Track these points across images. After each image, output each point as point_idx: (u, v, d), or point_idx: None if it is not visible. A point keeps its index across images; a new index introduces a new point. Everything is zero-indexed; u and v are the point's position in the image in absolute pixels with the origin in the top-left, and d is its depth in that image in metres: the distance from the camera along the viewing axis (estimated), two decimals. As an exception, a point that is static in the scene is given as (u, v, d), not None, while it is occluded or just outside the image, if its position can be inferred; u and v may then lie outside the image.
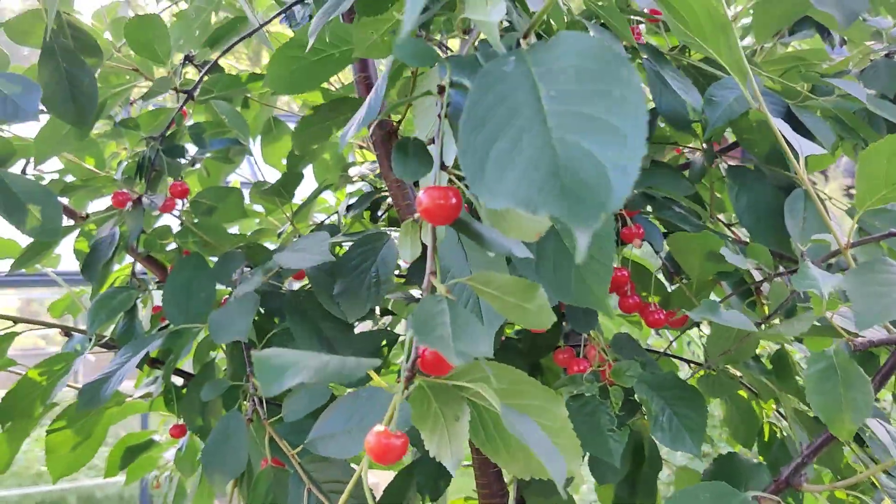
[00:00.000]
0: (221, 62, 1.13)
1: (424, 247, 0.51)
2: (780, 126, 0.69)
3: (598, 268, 0.55)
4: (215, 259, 0.98)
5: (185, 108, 1.12)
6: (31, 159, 0.98)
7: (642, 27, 1.14)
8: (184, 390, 1.03)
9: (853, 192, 0.69)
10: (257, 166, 1.31)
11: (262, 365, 0.43)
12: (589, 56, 0.38)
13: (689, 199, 1.04)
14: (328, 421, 0.65)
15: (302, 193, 1.24)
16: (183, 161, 1.06)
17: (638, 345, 0.93)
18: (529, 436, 0.45)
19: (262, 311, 0.98)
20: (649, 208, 1.00)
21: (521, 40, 0.46)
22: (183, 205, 1.09)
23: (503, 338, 1.04)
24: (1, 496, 3.67)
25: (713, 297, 1.00)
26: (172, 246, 1.16)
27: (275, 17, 0.99)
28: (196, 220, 1.08)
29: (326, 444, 0.67)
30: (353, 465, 0.78)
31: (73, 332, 1.09)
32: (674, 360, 1.10)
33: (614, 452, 0.81)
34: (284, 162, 1.21)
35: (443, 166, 0.50)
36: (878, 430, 0.61)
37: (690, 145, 1.19)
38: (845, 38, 1.28)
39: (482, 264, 0.62)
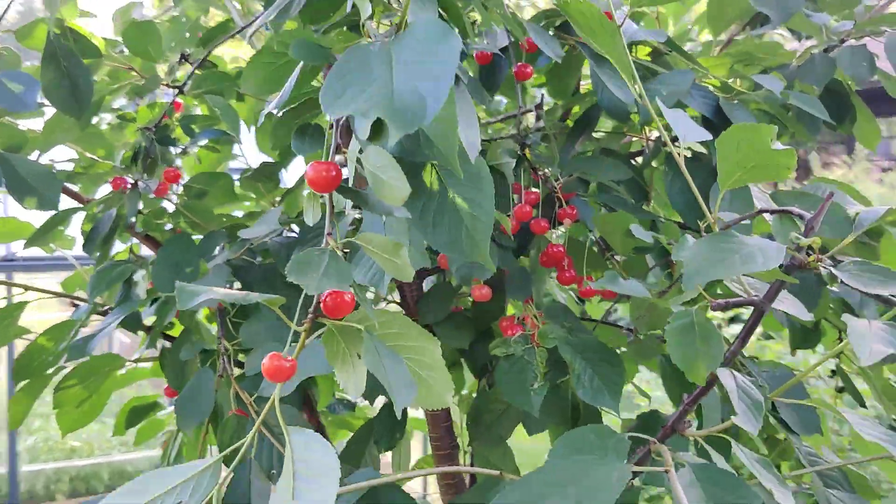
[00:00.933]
0: (227, 53, 1.26)
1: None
2: (669, 115, 0.78)
3: (482, 227, 0.64)
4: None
5: (181, 101, 1.25)
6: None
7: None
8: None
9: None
10: (243, 155, 1.42)
11: (181, 290, 0.55)
12: (430, 33, 0.50)
13: (636, 184, 1.15)
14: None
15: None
16: (176, 150, 1.18)
17: (571, 313, 1.04)
18: (390, 369, 0.56)
19: (241, 284, 1.10)
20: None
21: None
22: (177, 189, 1.22)
23: (459, 308, 1.16)
24: (37, 469, 3.84)
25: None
26: (170, 227, 1.29)
27: (245, 27, 1.10)
28: (187, 203, 1.20)
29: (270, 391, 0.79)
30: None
31: (79, 303, 1.23)
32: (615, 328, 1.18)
33: (535, 405, 0.92)
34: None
35: (338, 148, 0.61)
36: (727, 380, 0.70)
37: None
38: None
39: (393, 229, 0.73)
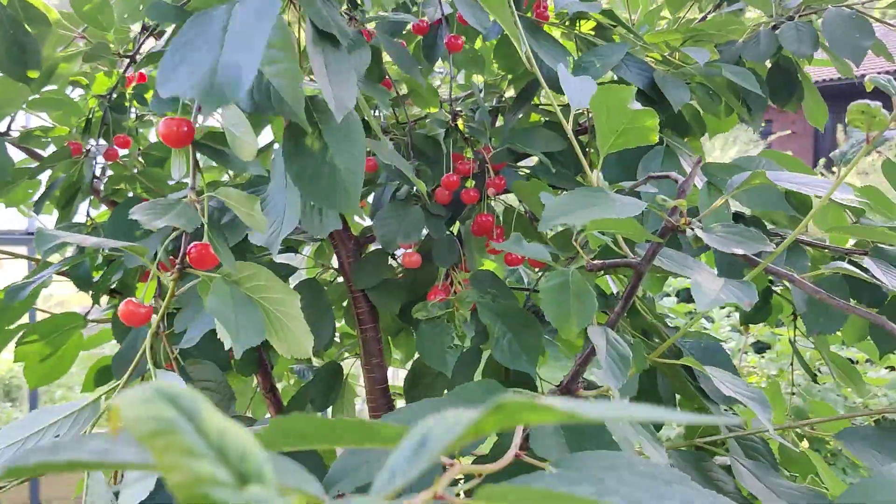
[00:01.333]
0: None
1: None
2: (565, 82, 0.80)
3: (354, 179, 0.67)
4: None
5: (144, 72, 1.28)
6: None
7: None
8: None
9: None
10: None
11: (40, 234, 0.59)
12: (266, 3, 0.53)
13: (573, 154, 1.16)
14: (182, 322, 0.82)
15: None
16: (130, 118, 1.23)
17: (498, 281, 1.06)
18: (240, 314, 0.60)
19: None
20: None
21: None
22: (136, 155, 1.27)
23: (401, 276, 1.19)
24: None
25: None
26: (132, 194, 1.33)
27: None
28: (144, 169, 1.25)
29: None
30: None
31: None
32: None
33: (449, 365, 0.95)
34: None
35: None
36: (597, 338, 0.72)
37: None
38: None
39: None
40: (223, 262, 0.63)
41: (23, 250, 3.08)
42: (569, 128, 0.78)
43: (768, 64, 1.29)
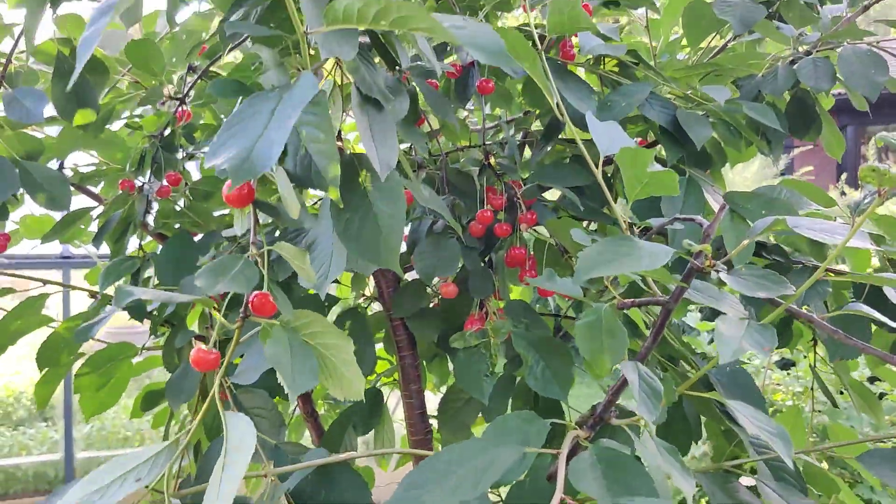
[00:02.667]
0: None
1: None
2: (593, 127, 0.86)
3: (396, 236, 0.73)
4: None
5: (188, 110, 1.35)
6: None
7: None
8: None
9: None
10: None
11: (119, 291, 0.65)
12: (304, 87, 0.60)
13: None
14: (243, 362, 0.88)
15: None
16: (181, 155, 1.30)
17: (530, 311, 1.12)
18: (297, 359, 0.66)
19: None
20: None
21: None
22: (183, 190, 1.33)
23: (436, 304, 1.24)
24: (92, 456, 4.01)
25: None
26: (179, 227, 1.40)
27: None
28: (191, 204, 1.32)
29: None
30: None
31: (97, 295, 1.35)
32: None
33: (485, 392, 1.01)
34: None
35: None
36: (630, 373, 0.77)
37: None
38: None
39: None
40: (282, 311, 0.68)
41: (56, 274, 3.16)
42: (598, 172, 0.83)
43: (787, 96, 1.34)
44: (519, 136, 1.38)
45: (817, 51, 1.27)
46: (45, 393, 1.37)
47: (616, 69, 1.26)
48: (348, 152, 0.77)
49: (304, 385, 0.65)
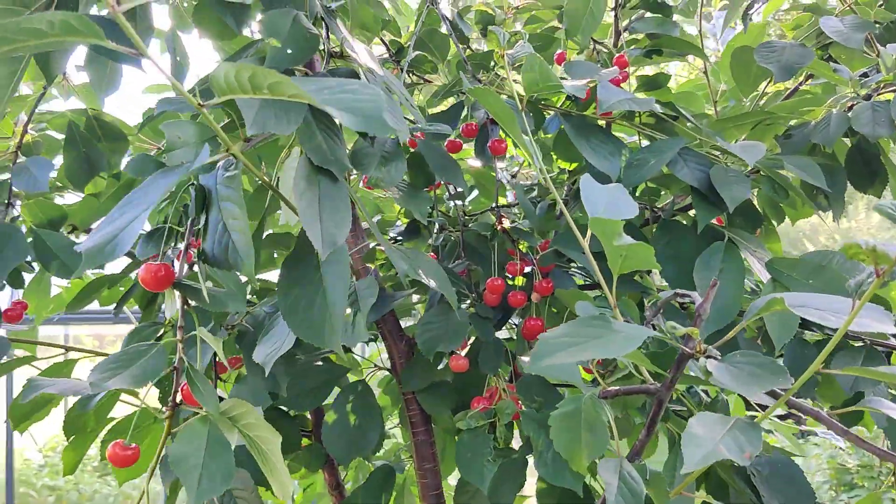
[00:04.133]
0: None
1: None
2: (586, 197, 0.77)
3: (338, 315, 0.67)
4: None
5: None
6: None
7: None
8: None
9: None
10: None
11: (30, 383, 0.61)
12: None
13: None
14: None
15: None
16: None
17: (547, 388, 1.02)
18: (213, 457, 0.60)
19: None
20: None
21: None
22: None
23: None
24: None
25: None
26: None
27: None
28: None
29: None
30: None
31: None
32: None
33: (485, 477, 0.92)
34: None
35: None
36: (608, 475, 0.67)
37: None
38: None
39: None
40: (203, 403, 0.63)
41: (87, 328, 3.22)
42: (584, 243, 0.75)
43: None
44: (563, 194, 1.30)
45: (878, 94, 1.14)
46: (73, 459, 1.37)
47: (653, 120, 1.17)
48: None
49: (213, 490, 0.59)
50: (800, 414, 0.79)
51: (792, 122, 1.23)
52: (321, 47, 0.81)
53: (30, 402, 1.21)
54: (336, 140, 0.74)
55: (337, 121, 0.78)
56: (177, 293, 0.66)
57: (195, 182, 0.67)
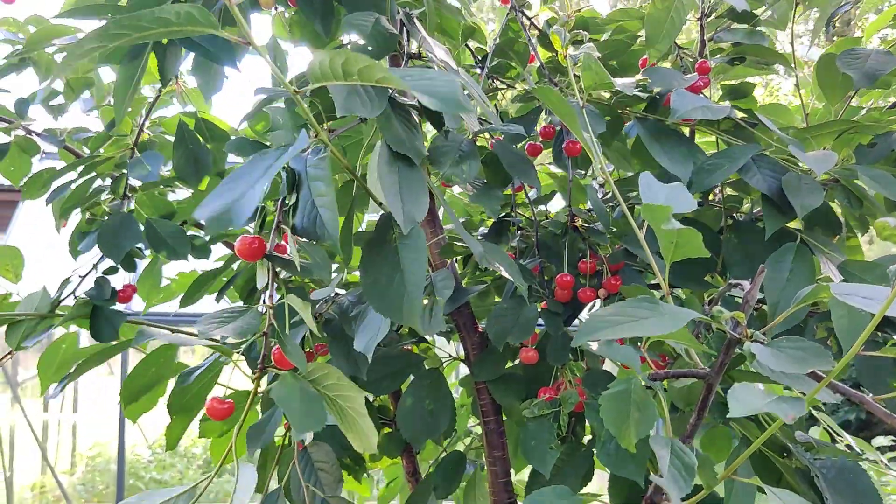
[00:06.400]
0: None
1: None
2: (645, 186, 0.81)
3: (417, 293, 0.73)
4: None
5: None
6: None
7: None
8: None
9: None
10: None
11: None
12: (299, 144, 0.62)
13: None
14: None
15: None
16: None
17: (612, 379, 1.05)
18: (304, 403, 0.67)
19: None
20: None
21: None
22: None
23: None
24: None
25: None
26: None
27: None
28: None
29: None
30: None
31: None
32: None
33: (547, 463, 0.96)
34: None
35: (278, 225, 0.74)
36: (660, 449, 0.70)
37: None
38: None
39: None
40: (293, 362, 0.70)
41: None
42: (640, 233, 0.78)
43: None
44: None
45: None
46: (175, 435, 1.47)
47: (732, 126, 1.19)
48: (384, 212, 0.79)
49: (309, 426, 0.66)
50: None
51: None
52: (401, 49, 0.88)
53: (140, 381, 1.31)
54: (413, 132, 0.81)
55: (415, 116, 0.85)
56: (268, 265, 0.74)
57: (286, 166, 0.74)
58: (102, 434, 5.64)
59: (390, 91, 0.77)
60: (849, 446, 1.09)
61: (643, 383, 0.74)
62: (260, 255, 0.71)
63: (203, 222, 0.61)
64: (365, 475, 1.44)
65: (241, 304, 1.03)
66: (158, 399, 1.36)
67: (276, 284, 0.74)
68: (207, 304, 1.67)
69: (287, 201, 0.75)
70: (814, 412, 1.22)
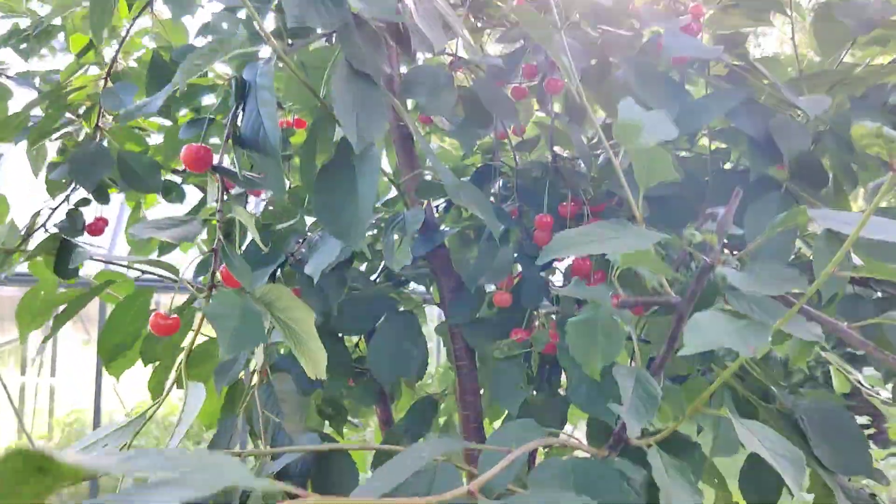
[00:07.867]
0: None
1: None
2: (627, 114, 0.77)
3: (367, 213, 0.71)
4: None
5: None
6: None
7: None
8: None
9: None
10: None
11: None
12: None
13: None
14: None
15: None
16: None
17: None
18: (246, 316, 0.64)
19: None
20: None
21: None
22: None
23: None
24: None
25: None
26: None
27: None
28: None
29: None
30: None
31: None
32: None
33: (515, 402, 0.94)
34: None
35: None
36: (624, 379, 0.68)
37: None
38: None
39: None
40: (239, 280, 0.68)
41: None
42: (616, 162, 0.75)
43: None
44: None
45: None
46: (157, 386, 1.44)
47: (726, 70, 1.16)
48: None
49: (242, 344, 0.63)
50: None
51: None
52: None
53: (117, 333, 1.28)
54: (376, 50, 0.77)
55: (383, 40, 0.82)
56: (218, 179, 0.71)
57: (236, 76, 0.71)
58: (80, 401, 5.66)
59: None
60: (858, 382, 1.06)
61: (611, 314, 0.71)
62: (206, 165, 0.68)
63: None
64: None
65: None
66: (140, 354, 1.34)
67: (225, 198, 0.71)
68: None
69: (236, 114, 0.72)
70: (822, 353, 1.20)
